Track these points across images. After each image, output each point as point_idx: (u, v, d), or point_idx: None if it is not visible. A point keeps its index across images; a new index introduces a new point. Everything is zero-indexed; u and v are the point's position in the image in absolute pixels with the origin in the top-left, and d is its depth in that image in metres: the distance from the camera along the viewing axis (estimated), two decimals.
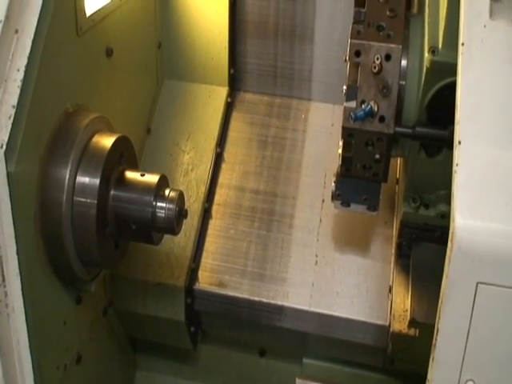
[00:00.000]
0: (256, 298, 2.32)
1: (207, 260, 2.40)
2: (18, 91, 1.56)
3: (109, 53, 2.15)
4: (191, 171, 2.53)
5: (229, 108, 2.67)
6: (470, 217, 1.20)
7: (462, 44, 1.36)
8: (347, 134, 1.83)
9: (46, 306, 1.86)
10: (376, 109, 1.80)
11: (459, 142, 1.28)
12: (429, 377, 1.32)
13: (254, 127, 2.64)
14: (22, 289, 1.64)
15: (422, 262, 2.04)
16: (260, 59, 2.66)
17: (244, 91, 2.70)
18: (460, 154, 1.27)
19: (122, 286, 2.36)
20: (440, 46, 1.66)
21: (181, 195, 1.97)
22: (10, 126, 1.54)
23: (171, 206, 1.93)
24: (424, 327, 1.99)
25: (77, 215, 1.83)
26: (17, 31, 1.60)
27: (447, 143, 1.73)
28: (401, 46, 1.75)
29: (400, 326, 2.12)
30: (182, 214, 1.97)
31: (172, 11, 2.60)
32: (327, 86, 2.64)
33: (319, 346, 2.39)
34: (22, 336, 1.67)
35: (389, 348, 2.19)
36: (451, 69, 1.58)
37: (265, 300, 2.31)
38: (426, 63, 1.69)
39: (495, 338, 1.26)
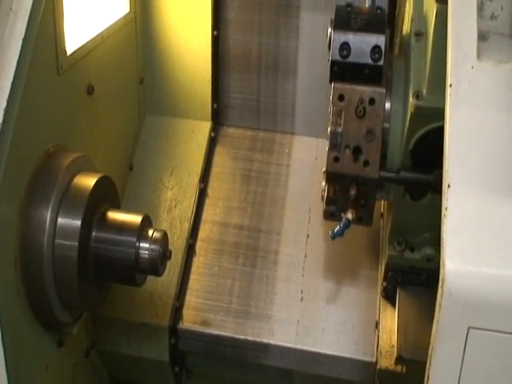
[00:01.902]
0: (241, 336, 2.28)
1: (191, 298, 2.36)
2: None
3: (90, 90, 2.13)
4: (175, 207, 2.49)
5: (212, 143, 2.66)
6: (460, 261, 1.19)
7: (450, 85, 1.35)
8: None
9: (27, 350, 1.81)
10: (353, 217, 1.82)
11: (448, 186, 1.26)
12: None
13: (237, 162, 2.62)
14: (2, 335, 1.59)
15: (408, 302, 2.01)
16: (243, 93, 2.66)
17: (227, 126, 2.69)
18: (449, 198, 1.25)
19: (105, 327, 2.31)
20: (425, 90, 1.66)
21: (164, 235, 1.94)
22: None
23: (155, 246, 1.90)
24: (411, 363, 1.96)
25: (58, 258, 1.79)
26: None
27: (432, 188, 1.73)
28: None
29: (387, 362, 2.09)
30: (165, 254, 1.94)
31: (154, 46, 2.59)
32: (310, 119, 2.64)
33: None
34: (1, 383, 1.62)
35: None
36: (436, 114, 1.61)
37: (250, 338, 2.27)
38: (410, 108, 1.68)
39: (487, 382, 1.23)
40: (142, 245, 1.89)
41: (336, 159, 1.79)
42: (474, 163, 1.29)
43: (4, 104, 1.55)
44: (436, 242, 1.82)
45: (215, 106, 2.67)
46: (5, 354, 1.63)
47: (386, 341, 2.13)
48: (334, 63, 1.76)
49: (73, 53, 1.98)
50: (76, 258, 1.79)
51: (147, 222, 1.96)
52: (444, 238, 1.22)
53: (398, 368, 2.06)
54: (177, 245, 2.38)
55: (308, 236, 2.43)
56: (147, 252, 1.89)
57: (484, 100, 1.35)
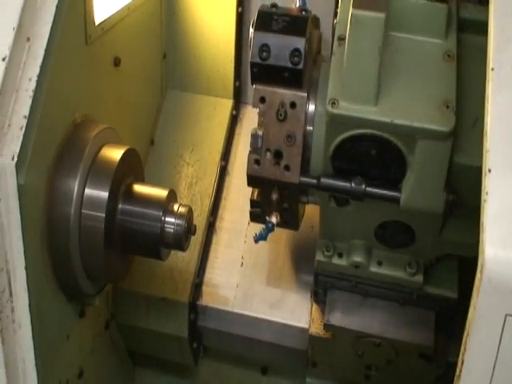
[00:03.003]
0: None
1: (211, 275, 2.36)
2: (29, 102, 1.52)
3: (116, 62, 2.11)
4: (195, 184, 2.49)
5: (233, 121, 2.64)
6: (500, 248, 1.17)
7: (492, 69, 1.33)
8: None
9: (51, 320, 1.82)
10: (277, 221, 1.83)
11: (489, 170, 1.24)
12: None
13: None
14: (30, 304, 1.60)
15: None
16: None
17: (249, 104, 2.67)
18: (490, 183, 1.23)
19: (125, 300, 2.32)
20: (340, 98, 1.60)
21: (190, 211, 1.94)
22: (21, 137, 1.49)
23: (180, 221, 1.89)
24: (339, 330, 2.00)
25: (84, 228, 1.79)
26: (28, 39, 1.56)
27: (351, 195, 1.70)
28: (306, 94, 1.69)
29: (318, 328, 2.11)
30: (190, 230, 1.94)
31: (178, 21, 2.57)
32: None
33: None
34: (27, 353, 1.62)
35: (309, 350, 2.21)
36: (352, 122, 1.60)
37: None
38: (326, 115, 1.63)
39: None
40: (167, 219, 1.89)
41: (257, 162, 1.76)
42: None
43: (37, 71, 1.53)
44: (365, 249, 1.87)
45: (237, 83, 2.65)
46: (32, 322, 1.63)
47: (319, 308, 2.15)
48: (253, 65, 1.73)
49: (101, 23, 1.97)
50: (102, 229, 1.79)
51: (173, 197, 1.95)
52: (484, 223, 1.20)
53: (328, 335, 2.08)
54: (197, 222, 2.36)
55: None
56: (172, 226, 1.89)
57: None
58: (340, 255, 1.92)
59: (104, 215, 1.79)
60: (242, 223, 2.45)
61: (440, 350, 1.98)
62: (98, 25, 1.95)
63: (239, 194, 2.51)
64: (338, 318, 1.98)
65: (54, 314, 1.84)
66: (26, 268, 1.56)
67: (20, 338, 1.60)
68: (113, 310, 2.32)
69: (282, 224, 1.91)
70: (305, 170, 1.74)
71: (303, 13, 1.74)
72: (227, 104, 2.65)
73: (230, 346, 2.40)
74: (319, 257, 1.93)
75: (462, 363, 1.23)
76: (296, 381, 2.46)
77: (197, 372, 2.60)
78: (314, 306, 2.16)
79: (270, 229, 1.87)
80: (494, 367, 1.21)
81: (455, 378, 1.24)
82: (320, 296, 2.07)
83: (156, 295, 2.30)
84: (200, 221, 2.39)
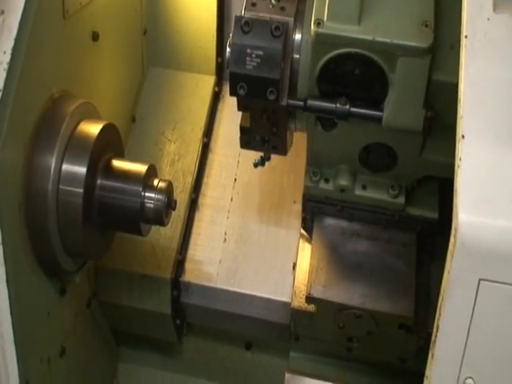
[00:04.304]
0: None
1: (194, 252, 2.36)
2: (4, 74, 1.51)
3: (95, 37, 2.09)
4: (178, 161, 2.48)
5: (216, 97, 2.63)
6: (473, 213, 1.18)
7: (466, 36, 1.35)
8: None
9: (30, 297, 1.81)
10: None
11: (462, 136, 1.26)
12: (427, 373, 1.31)
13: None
14: (7, 280, 1.59)
15: (322, 238, 2.09)
16: None
17: None
18: (463, 149, 1.25)
19: (107, 278, 2.32)
20: (325, 18, 1.69)
21: (169, 185, 1.93)
22: None
23: (160, 196, 1.89)
24: (321, 303, 2.04)
25: (62, 204, 1.78)
26: (2, 12, 1.55)
27: (337, 116, 1.79)
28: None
29: (300, 302, 2.15)
30: (170, 205, 1.93)
31: None
32: None
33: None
34: (6, 329, 1.62)
35: (292, 324, 2.24)
36: (336, 41, 1.70)
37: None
38: (312, 35, 1.71)
39: (496, 335, 1.24)
40: (147, 194, 1.88)
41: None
42: (489, 115, 1.28)
43: (12, 43, 1.52)
44: (350, 174, 1.96)
45: (219, 60, 2.63)
46: (9, 298, 1.63)
47: (301, 281, 2.17)
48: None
49: None
50: (81, 204, 1.79)
51: (152, 172, 1.95)
52: (457, 188, 1.21)
53: (311, 308, 2.12)
54: (180, 198, 2.35)
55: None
56: (152, 202, 1.88)
57: (500, 52, 1.34)
58: (326, 180, 2.01)
59: (82, 191, 1.78)
60: (225, 200, 2.45)
61: (420, 321, 2.01)
62: None
63: (222, 171, 2.51)
64: (319, 291, 2.00)
65: (33, 291, 1.83)
66: (3, 243, 1.55)
67: None
68: (94, 288, 2.31)
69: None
70: (292, 94, 1.81)
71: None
72: (209, 80, 2.63)
73: (214, 322, 2.41)
74: (307, 182, 2.02)
75: (437, 328, 1.24)
76: (280, 355, 2.47)
77: (181, 350, 2.60)
78: (297, 279, 2.19)
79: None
80: (468, 332, 1.23)
81: (431, 344, 1.26)
82: (308, 223, 2.13)
83: (138, 272, 2.30)
84: (182, 198, 2.39)
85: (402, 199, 1.99)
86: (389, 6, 1.71)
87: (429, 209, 2.02)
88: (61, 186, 1.77)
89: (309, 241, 2.19)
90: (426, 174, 1.97)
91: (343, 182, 1.98)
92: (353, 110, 1.77)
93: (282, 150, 1.98)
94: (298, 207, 2.21)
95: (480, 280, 1.20)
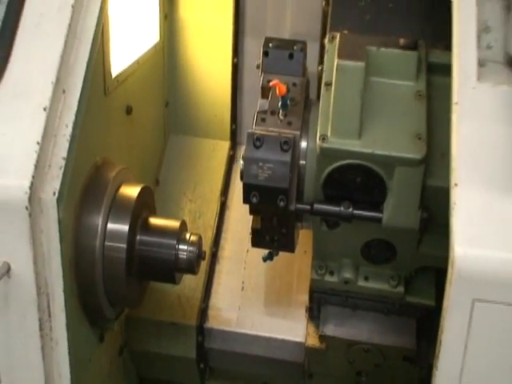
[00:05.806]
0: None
1: (215, 300, 2.58)
2: (66, 145, 1.75)
3: (128, 110, 2.37)
4: (199, 218, 2.72)
5: (231, 160, 2.90)
6: (467, 247, 1.43)
7: (456, 103, 1.59)
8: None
9: (77, 342, 1.98)
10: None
11: (455, 184, 1.49)
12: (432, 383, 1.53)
13: None
14: (67, 324, 1.79)
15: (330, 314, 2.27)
16: None
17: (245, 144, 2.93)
18: (457, 194, 1.48)
19: (137, 326, 2.51)
20: (329, 133, 1.87)
21: (200, 238, 2.17)
22: (61, 176, 1.72)
23: (192, 248, 2.12)
24: (332, 340, 2.23)
25: (108, 259, 2.00)
26: (64, 91, 1.80)
27: (341, 218, 1.96)
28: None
29: (314, 341, 2.32)
30: (201, 255, 2.17)
31: (179, 72, 2.85)
32: None
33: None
34: (63, 369, 1.81)
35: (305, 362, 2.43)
36: (340, 154, 1.88)
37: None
38: (317, 149, 1.89)
39: (490, 347, 1.48)
40: (181, 247, 2.12)
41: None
42: (478, 166, 1.52)
43: (72, 118, 1.77)
44: (353, 267, 2.13)
45: (233, 126, 2.92)
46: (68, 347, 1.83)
47: (313, 323, 2.35)
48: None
49: (116, 76, 2.23)
50: (124, 258, 2.01)
51: (184, 227, 2.19)
52: (453, 227, 1.45)
53: (323, 345, 2.31)
54: None
55: None
56: (185, 253, 2.12)
57: (485, 115, 1.59)
58: (331, 273, 2.17)
59: (125, 246, 2.01)
60: (242, 252, 2.69)
61: (422, 353, 2.21)
62: (114, 77, 2.21)
63: (238, 226, 2.76)
64: (331, 329, 2.21)
65: (79, 337, 2.02)
66: (64, 290, 1.77)
67: (57, 355, 1.80)
68: (125, 336, 2.50)
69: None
70: (299, 198, 2.00)
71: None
72: (225, 145, 2.91)
73: (234, 365, 2.60)
74: (313, 276, 2.18)
75: (440, 343, 1.47)
76: None
77: None
78: (309, 321, 2.38)
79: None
80: (465, 345, 1.46)
81: (434, 358, 1.48)
82: (314, 312, 2.30)
83: (166, 320, 2.50)
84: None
85: (401, 288, 2.13)
86: (385, 121, 1.88)
87: (427, 297, 2.18)
88: (106, 243, 2.00)
89: (314, 319, 2.36)
90: (423, 265, 2.13)
91: (347, 274, 2.14)
92: (355, 212, 1.92)
93: (290, 248, 2.16)
94: (308, 256, 2.39)
95: (474, 300, 1.44)
